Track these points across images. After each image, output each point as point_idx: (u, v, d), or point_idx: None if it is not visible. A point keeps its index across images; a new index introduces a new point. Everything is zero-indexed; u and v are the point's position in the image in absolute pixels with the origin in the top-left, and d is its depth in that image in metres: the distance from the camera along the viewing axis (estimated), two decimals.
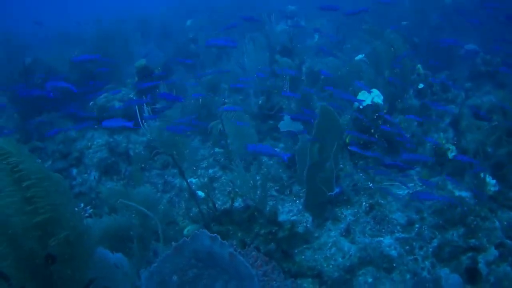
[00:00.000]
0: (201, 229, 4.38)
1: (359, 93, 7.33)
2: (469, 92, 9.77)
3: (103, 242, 5.54)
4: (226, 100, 9.40)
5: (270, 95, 8.91)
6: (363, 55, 10.02)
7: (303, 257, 5.88)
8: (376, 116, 7.13)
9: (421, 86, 8.99)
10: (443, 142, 7.32)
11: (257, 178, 6.64)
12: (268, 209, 6.15)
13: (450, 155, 7.20)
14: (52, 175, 4.36)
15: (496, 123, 7.35)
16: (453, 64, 11.31)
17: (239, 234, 5.82)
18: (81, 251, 4.51)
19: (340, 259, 5.80)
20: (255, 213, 5.94)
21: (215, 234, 4.33)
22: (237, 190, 6.33)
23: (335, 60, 9.85)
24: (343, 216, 6.35)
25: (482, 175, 6.60)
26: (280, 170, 7.66)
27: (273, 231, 5.77)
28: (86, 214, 7.46)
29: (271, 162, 7.87)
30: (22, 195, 4.15)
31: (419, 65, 9.33)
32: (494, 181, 6.56)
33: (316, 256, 5.90)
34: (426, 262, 5.72)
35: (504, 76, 10.19)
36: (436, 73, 10.16)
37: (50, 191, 4.21)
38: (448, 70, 10.85)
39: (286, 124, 8.04)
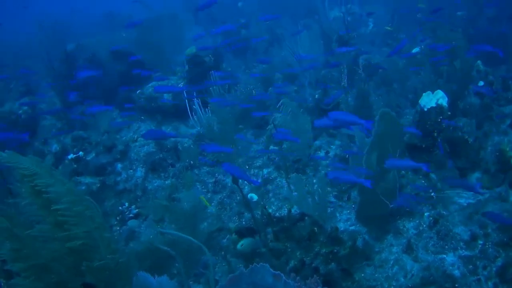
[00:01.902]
0: (261, 264, 4.09)
1: (424, 94, 7.01)
2: None
3: (144, 260, 5.40)
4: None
5: (327, 88, 8.63)
6: (419, 48, 9.65)
7: (363, 275, 5.61)
8: (440, 119, 6.83)
9: (481, 83, 8.61)
10: (507, 149, 7.00)
11: (314, 181, 6.45)
12: (329, 224, 5.88)
13: None
14: (83, 198, 4.19)
15: None
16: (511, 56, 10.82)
17: (298, 254, 5.53)
18: (119, 277, 4.34)
19: (402, 279, 5.52)
20: (315, 229, 5.68)
21: (279, 272, 4.06)
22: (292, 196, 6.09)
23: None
24: (405, 229, 6.04)
25: None
26: None
27: (335, 250, 5.50)
28: (131, 215, 7.38)
29: (327, 162, 7.59)
30: (54, 220, 3.99)
31: (479, 61, 8.96)
32: None
33: (377, 275, 5.63)
34: (489, 283, 5.43)
35: None
36: (495, 68, 9.73)
37: (83, 216, 4.03)
38: (506, 64, 10.40)
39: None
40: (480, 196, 6.39)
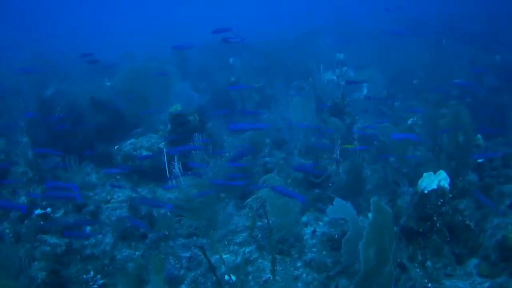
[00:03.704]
0: None
1: (425, 175, 6.53)
2: None
3: None
4: (266, 159, 8.71)
5: (317, 159, 8.14)
6: (415, 118, 9.27)
7: None
8: (441, 202, 6.34)
9: (480, 160, 8.16)
10: (510, 236, 6.48)
11: (299, 264, 6.34)
12: None
13: None
14: None
15: None
16: (509, 128, 10.44)
17: None
18: None
19: None
20: None
21: None
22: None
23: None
24: None
25: None
26: (324, 253, 6.82)
27: None
28: (95, 286, 6.80)
29: (314, 241, 7.09)
30: None
31: (479, 135, 8.57)
32: None
33: None
34: None
35: None
36: (492, 140, 9.43)
37: None
38: (504, 137, 9.99)
39: (336, 209, 6.54)
40: (478, 286, 6.01)
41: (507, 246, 6.34)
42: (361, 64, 13.84)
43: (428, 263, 6.27)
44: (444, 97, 9.35)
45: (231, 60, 15.29)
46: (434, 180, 6.43)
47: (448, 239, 6.49)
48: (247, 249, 7.12)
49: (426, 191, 6.37)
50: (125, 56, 14.78)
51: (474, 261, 6.49)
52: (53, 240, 7.34)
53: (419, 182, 6.48)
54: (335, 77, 11.95)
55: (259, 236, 7.31)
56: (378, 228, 5.39)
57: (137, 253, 7.37)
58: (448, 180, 6.48)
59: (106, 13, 50.93)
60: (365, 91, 12.81)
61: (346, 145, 8.25)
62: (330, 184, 8.01)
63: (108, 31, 35.29)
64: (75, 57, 13.67)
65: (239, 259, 6.91)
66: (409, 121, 9.35)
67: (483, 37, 16.90)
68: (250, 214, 7.57)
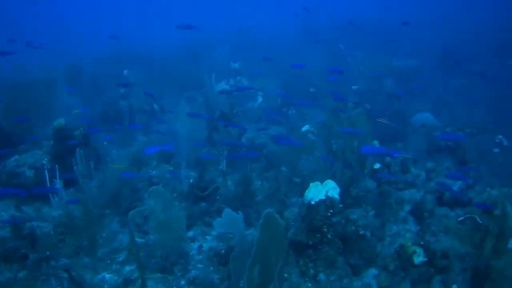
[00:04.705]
0: None
1: (311, 185, 6.15)
2: (432, 173, 8.67)
3: None
4: (153, 172, 8.17)
5: (204, 171, 7.67)
6: (309, 125, 8.97)
7: None
8: (331, 213, 5.95)
9: (377, 166, 7.87)
10: (408, 244, 6.19)
11: (182, 283, 6.11)
12: None
13: (417, 260, 6.15)
14: None
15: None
16: (407, 134, 10.31)
17: None
18: None
19: None
20: None
21: None
22: None
23: (280, 129, 8.80)
24: None
25: None
26: (211, 269, 6.47)
27: None
28: None
29: (201, 257, 6.73)
30: None
31: (375, 141, 8.32)
32: None
33: None
34: None
35: (464, 151, 9.18)
36: (390, 144, 9.24)
37: None
38: (402, 142, 9.82)
39: (224, 222, 6.25)
40: None
41: (405, 255, 6.25)
42: (257, 74, 13.51)
43: (322, 276, 6.04)
44: (341, 104, 9.04)
45: (125, 72, 14.75)
46: (322, 190, 6.16)
47: (342, 250, 6.27)
48: (128, 268, 6.75)
49: (313, 202, 6.03)
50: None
51: (372, 271, 6.36)
52: None
53: (306, 193, 6.24)
54: (228, 87, 11.61)
55: (142, 253, 6.82)
56: (266, 244, 5.18)
57: (20, 274, 6.81)
58: (338, 189, 6.30)
59: None
60: (260, 99, 12.49)
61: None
62: (218, 197, 7.66)
63: None
64: None
65: (121, 279, 6.54)
66: (304, 129, 9.03)
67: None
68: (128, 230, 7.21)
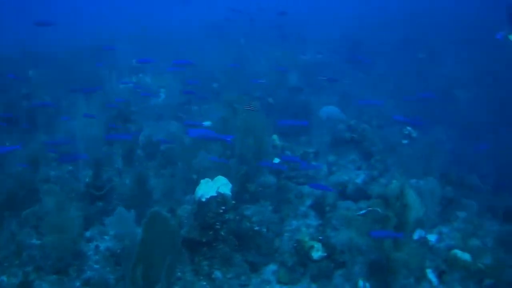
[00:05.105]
0: None
1: (201, 182, 6.05)
2: (333, 166, 8.67)
3: None
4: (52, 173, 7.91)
5: (99, 170, 7.43)
6: (210, 122, 8.90)
7: None
8: (223, 209, 5.84)
9: (276, 160, 7.80)
10: (305, 239, 6.15)
11: (77, 284, 5.94)
12: None
13: (315, 255, 6.14)
14: None
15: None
16: (312, 127, 10.26)
17: None
18: None
19: None
20: None
21: None
22: None
23: (179, 125, 8.67)
24: None
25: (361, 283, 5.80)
26: (108, 269, 6.30)
27: None
28: None
29: (97, 257, 6.55)
30: None
31: (274, 136, 8.26)
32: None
33: None
34: None
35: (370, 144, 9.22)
36: (293, 138, 9.33)
37: None
38: (307, 135, 9.80)
39: (115, 221, 6.33)
40: None
41: (303, 250, 6.21)
42: (159, 71, 13.31)
43: (217, 274, 5.96)
44: (241, 97, 8.95)
45: (30, 72, 14.26)
46: (213, 186, 6.04)
47: (238, 247, 6.22)
48: (26, 270, 6.43)
49: (204, 199, 5.92)
50: None
51: (271, 267, 6.30)
52: None
53: (197, 190, 6.15)
54: (131, 84, 11.37)
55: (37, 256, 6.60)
56: (152, 244, 5.12)
57: None
58: (230, 185, 6.25)
59: None
60: (162, 96, 12.31)
61: None
62: (115, 196, 7.51)
63: None
64: None
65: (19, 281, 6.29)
66: (205, 124, 8.90)
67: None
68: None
